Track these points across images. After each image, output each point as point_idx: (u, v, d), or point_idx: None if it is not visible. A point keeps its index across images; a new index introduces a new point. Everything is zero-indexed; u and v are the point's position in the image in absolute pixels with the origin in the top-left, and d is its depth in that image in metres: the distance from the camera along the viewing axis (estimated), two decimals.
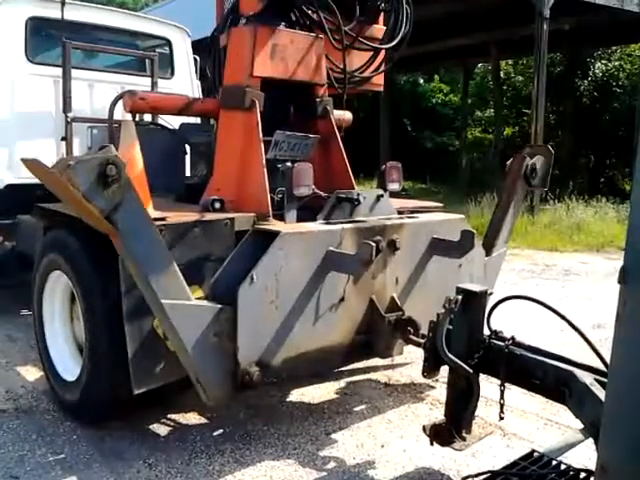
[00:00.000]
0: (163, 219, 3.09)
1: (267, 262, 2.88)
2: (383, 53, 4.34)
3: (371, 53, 4.25)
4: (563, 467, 2.28)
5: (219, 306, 2.80)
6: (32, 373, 4.20)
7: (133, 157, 3.07)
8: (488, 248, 4.06)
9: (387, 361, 4.26)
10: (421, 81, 25.85)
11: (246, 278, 2.82)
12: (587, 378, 2.40)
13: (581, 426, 2.80)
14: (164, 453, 3.14)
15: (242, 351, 2.82)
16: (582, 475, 2.20)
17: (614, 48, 19.02)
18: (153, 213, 3.12)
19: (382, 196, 3.62)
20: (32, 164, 2.59)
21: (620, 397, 1.61)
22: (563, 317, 2.71)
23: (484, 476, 2.26)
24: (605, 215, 11.38)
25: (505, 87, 21.43)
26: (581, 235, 10.34)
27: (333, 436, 3.37)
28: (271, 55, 3.63)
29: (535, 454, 2.41)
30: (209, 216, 3.28)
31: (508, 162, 4.19)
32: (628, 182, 16.76)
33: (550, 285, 7.22)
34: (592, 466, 2.21)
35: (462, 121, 22.39)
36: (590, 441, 2.52)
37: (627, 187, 16.58)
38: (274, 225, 3.21)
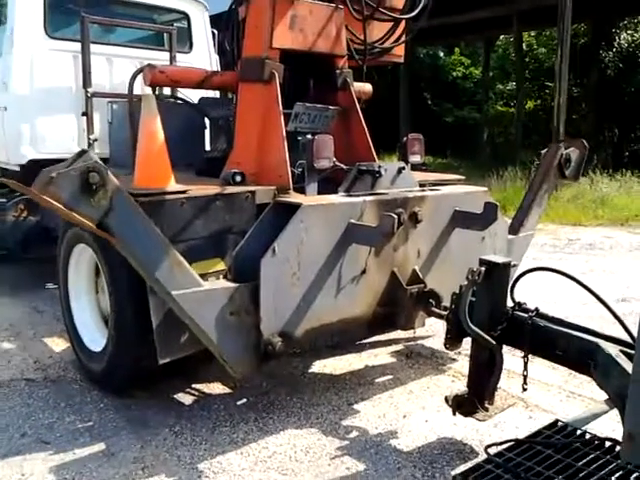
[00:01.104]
0: (184, 192, 3.11)
1: (289, 234, 2.89)
2: (403, 24, 4.27)
3: (391, 24, 4.19)
4: (588, 436, 2.27)
5: (232, 286, 2.82)
6: (58, 344, 4.28)
7: (154, 131, 3.07)
8: (516, 228, 4.06)
9: (408, 334, 4.26)
10: (441, 54, 25.42)
11: (268, 250, 2.83)
12: (612, 349, 2.38)
13: (604, 398, 2.81)
14: (189, 421, 3.20)
15: (265, 322, 2.85)
16: (607, 444, 2.19)
17: None
18: (175, 186, 3.14)
19: (404, 168, 3.60)
20: (14, 185, 2.56)
21: None
22: (587, 288, 2.68)
23: (508, 444, 2.27)
24: (630, 189, 11.19)
25: (527, 59, 20.99)
26: (605, 209, 10.18)
27: (355, 406, 3.40)
28: (290, 26, 3.59)
29: (559, 424, 2.40)
30: (230, 189, 3.29)
31: (543, 151, 4.21)
32: None
33: (574, 259, 7.15)
34: (617, 436, 2.21)
35: (483, 94, 22.01)
36: (614, 412, 2.52)
37: None
38: (295, 197, 3.21)
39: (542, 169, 4.18)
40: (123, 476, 2.73)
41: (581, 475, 2.00)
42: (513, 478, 2.02)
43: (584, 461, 2.09)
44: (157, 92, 4.40)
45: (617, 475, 2.00)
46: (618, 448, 2.15)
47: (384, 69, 19.04)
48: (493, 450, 2.26)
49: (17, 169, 5.33)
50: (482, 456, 2.34)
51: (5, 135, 5.23)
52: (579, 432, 2.31)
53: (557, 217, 9.93)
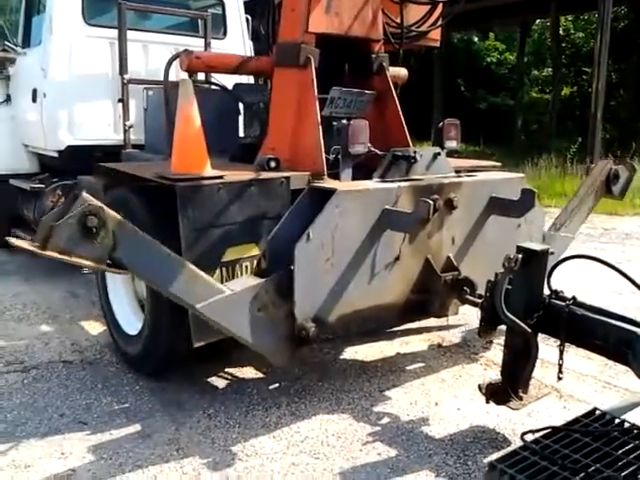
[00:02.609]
0: (221, 177, 3.13)
1: (323, 220, 2.89)
2: (440, 7, 4.21)
3: (428, 7, 4.13)
4: (627, 425, 2.24)
5: (254, 283, 2.83)
6: (95, 327, 4.37)
7: (191, 116, 3.09)
8: (557, 226, 4.03)
9: (441, 322, 4.24)
10: (475, 39, 25.01)
11: (302, 235, 2.84)
12: None
13: None
14: (222, 405, 3.24)
15: (298, 307, 2.86)
16: None
17: None
18: (211, 172, 3.16)
19: (439, 154, 3.56)
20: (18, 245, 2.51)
21: None
22: (626, 275, 2.64)
23: (545, 432, 2.25)
24: None
25: (564, 44, 20.55)
26: None
27: (386, 393, 3.40)
28: (326, 10, 3.57)
29: (597, 412, 2.37)
30: (265, 175, 3.29)
31: (592, 165, 4.27)
32: None
33: (610, 249, 7.01)
34: None
35: (518, 81, 21.63)
36: None
37: None
38: (330, 183, 3.20)
39: (589, 180, 4.20)
40: (158, 457, 2.78)
41: (619, 464, 1.97)
42: (550, 465, 2.00)
43: (622, 450, 2.06)
44: (192, 78, 4.42)
45: None
46: None
47: (417, 54, 18.82)
48: (529, 437, 2.24)
49: (55, 155, 5.43)
50: (518, 443, 2.32)
51: (43, 121, 5.32)
52: (617, 421, 2.28)
53: None
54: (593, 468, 1.96)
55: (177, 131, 3.14)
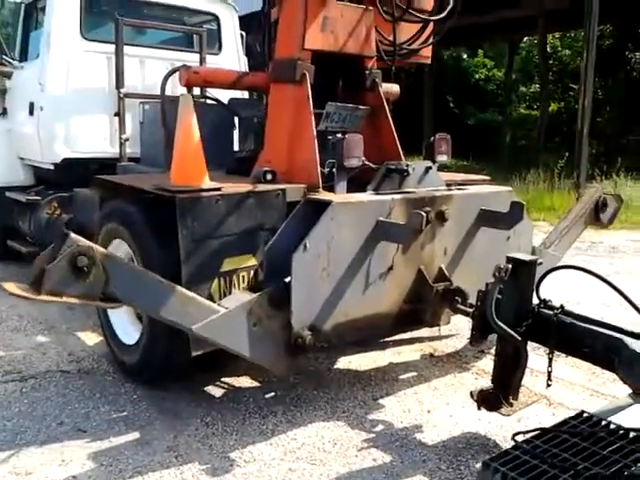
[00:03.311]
0: (219, 189, 3.21)
1: (319, 231, 2.97)
2: (431, 25, 4.33)
3: (419, 25, 4.26)
4: (612, 427, 2.33)
5: (247, 299, 2.89)
6: (91, 338, 4.41)
7: (191, 130, 3.17)
8: (547, 244, 4.15)
9: (432, 332, 4.33)
10: (464, 56, 25.37)
11: (299, 246, 2.92)
12: (637, 344, 2.42)
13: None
14: (220, 413, 3.30)
15: (295, 315, 2.94)
16: (632, 434, 2.24)
17: None
18: (210, 184, 3.24)
19: (431, 168, 3.66)
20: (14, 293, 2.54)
21: None
22: (611, 284, 2.74)
23: (535, 433, 2.33)
24: None
25: (551, 61, 20.90)
26: (629, 212, 10.08)
27: (380, 401, 3.47)
28: (322, 28, 3.68)
29: (584, 415, 2.46)
30: (261, 187, 3.38)
31: (581, 190, 4.46)
32: None
33: (597, 262, 7.13)
34: None
35: (506, 97, 21.97)
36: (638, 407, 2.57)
37: None
38: (325, 195, 3.29)
39: (579, 206, 4.37)
40: (158, 463, 2.83)
41: (606, 462, 2.06)
42: (540, 463, 2.08)
43: (609, 449, 2.15)
44: (189, 93, 4.51)
45: None
46: None
47: (407, 71, 19.06)
48: (520, 438, 2.32)
49: (51, 167, 5.49)
50: (509, 446, 2.40)
51: (40, 134, 5.38)
52: (603, 423, 2.36)
53: None
54: (581, 466, 2.04)
55: (177, 144, 3.22)
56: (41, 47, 5.35)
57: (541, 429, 2.36)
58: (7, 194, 5.88)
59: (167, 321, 2.76)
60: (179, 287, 2.78)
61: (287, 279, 2.98)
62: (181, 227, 3.05)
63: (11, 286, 2.49)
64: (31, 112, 5.46)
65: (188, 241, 3.07)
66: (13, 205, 5.85)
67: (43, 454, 2.90)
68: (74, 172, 5.39)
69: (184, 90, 5.33)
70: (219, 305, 2.91)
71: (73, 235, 2.46)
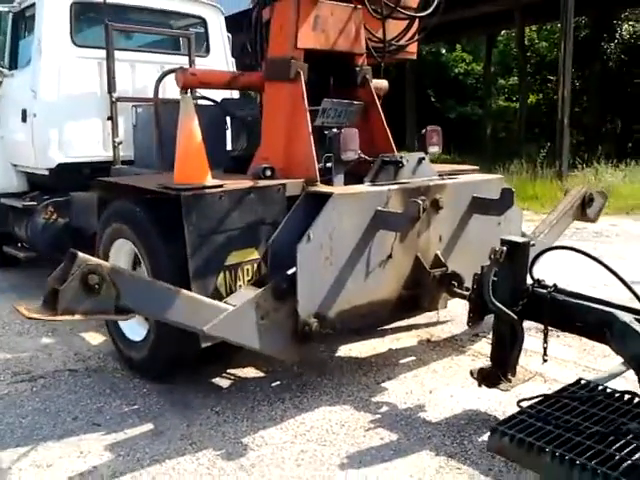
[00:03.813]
0: (221, 186, 3.32)
1: (322, 222, 3.09)
2: (417, 22, 4.47)
3: (406, 22, 4.39)
4: (609, 391, 2.48)
5: (253, 295, 3.00)
6: (95, 338, 4.49)
7: (193, 130, 3.28)
8: (536, 234, 4.30)
9: (429, 319, 4.48)
10: (443, 51, 25.61)
11: (303, 237, 3.04)
12: (627, 317, 2.57)
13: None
14: (229, 402, 3.41)
15: (302, 304, 3.06)
16: (626, 397, 2.40)
17: None
18: (212, 181, 3.35)
19: (424, 159, 3.80)
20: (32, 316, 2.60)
21: None
22: (601, 262, 2.89)
23: (538, 399, 2.47)
24: (634, 178, 11.36)
25: (529, 54, 21.18)
26: (610, 198, 10.21)
27: (383, 385, 3.61)
28: (314, 27, 3.79)
29: (582, 382, 2.61)
30: (262, 183, 3.49)
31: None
32: None
33: (582, 246, 7.26)
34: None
35: (485, 90, 22.22)
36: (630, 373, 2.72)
37: None
38: (325, 188, 3.41)
39: (567, 200, 4.53)
40: (174, 451, 2.94)
41: (605, 421, 2.21)
42: (544, 425, 2.23)
43: (606, 411, 2.30)
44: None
45: (638, 420, 2.21)
46: (637, 399, 2.36)
47: (388, 66, 19.21)
48: (525, 404, 2.46)
49: (46, 173, 5.55)
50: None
51: (34, 140, 5.43)
52: (600, 388, 2.52)
53: None
54: (582, 426, 2.19)
55: (179, 144, 3.32)
56: (32, 54, 5.39)
57: (543, 395, 2.51)
58: (2, 200, 5.92)
59: (179, 325, 2.87)
60: (186, 291, 2.88)
61: (289, 272, 3.11)
62: (187, 224, 3.15)
63: (26, 310, 2.54)
64: (24, 119, 5.50)
65: (194, 237, 3.18)
66: (8, 211, 5.90)
67: (61, 448, 2.99)
68: (68, 177, 5.45)
69: (175, 92, 5.45)
70: (226, 303, 3.02)
71: (81, 255, 2.52)
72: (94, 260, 2.59)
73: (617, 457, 2.04)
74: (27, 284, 5.88)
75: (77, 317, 2.58)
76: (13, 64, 5.98)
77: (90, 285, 2.49)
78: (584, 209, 4.55)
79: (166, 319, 2.83)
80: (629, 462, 2.01)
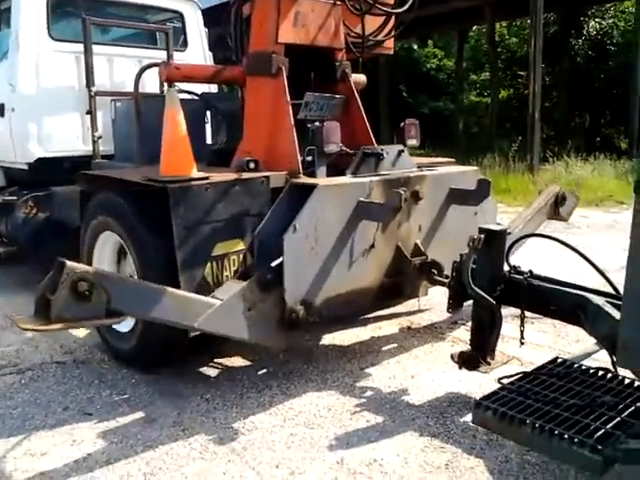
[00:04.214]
0: (207, 178, 3.38)
1: (307, 212, 3.19)
2: (394, 18, 4.58)
3: (383, 18, 4.50)
4: (584, 367, 2.63)
5: (239, 288, 3.07)
6: (80, 331, 4.47)
7: (178, 123, 3.34)
8: (512, 228, 4.42)
9: (408, 308, 4.61)
10: (415, 47, 25.82)
11: (289, 227, 3.13)
12: (599, 300, 2.72)
13: None
14: (218, 390, 3.48)
15: (288, 292, 3.15)
16: (600, 373, 2.56)
17: (608, 5, 19.08)
18: (198, 174, 3.41)
19: (403, 151, 3.91)
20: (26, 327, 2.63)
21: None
22: (573, 248, 3.04)
23: (517, 376, 2.61)
24: (603, 171, 11.67)
25: (500, 49, 21.49)
26: (580, 191, 10.53)
27: (367, 370, 3.72)
28: (294, 22, 3.88)
29: (559, 360, 2.76)
30: (246, 175, 3.57)
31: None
32: (624, 140, 17.03)
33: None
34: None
35: (457, 85, 22.50)
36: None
37: (623, 145, 16.86)
38: (309, 180, 3.50)
39: (541, 198, 4.69)
40: (166, 437, 3.01)
41: (581, 395, 2.35)
42: (525, 399, 2.37)
43: (583, 385, 2.45)
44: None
45: (611, 393, 2.36)
46: (609, 375, 2.51)
47: (366, 62, 19.34)
48: (505, 381, 2.60)
49: (25, 167, 5.53)
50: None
51: (13, 135, 5.41)
52: (576, 365, 2.66)
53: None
54: (560, 399, 2.33)
55: (165, 137, 3.38)
56: (10, 48, 5.37)
57: (523, 372, 2.65)
58: None
59: (170, 323, 2.93)
60: (174, 289, 2.92)
61: (274, 263, 3.19)
62: (174, 215, 3.22)
63: (21, 322, 2.57)
64: (2, 113, 5.47)
65: (181, 228, 3.24)
66: None
67: (54, 437, 3.04)
68: (47, 171, 5.45)
69: (154, 87, 5.48)
70: (213, 297, 3.07)
71: (69, 263, 2.53)
72: (82, 267, 2.60)
73: (592, 426, 2.18)
74: (6, 280, 5.88)
75: (71, 325, 2.63)
76: None
77: (80, 292, 2.51)
78: (557, 207, 4.74)
79: (157, 319, 2.88)
80: (603, 430, 2.15)
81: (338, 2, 4.06)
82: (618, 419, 2.24)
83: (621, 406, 2.30)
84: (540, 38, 11.87)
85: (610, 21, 18.91)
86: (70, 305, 2.50)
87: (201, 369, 3.78)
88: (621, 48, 18.18)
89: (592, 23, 19.06)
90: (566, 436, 2.12)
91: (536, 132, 12.19)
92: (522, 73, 19.41)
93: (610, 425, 2.19)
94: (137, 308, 2.82)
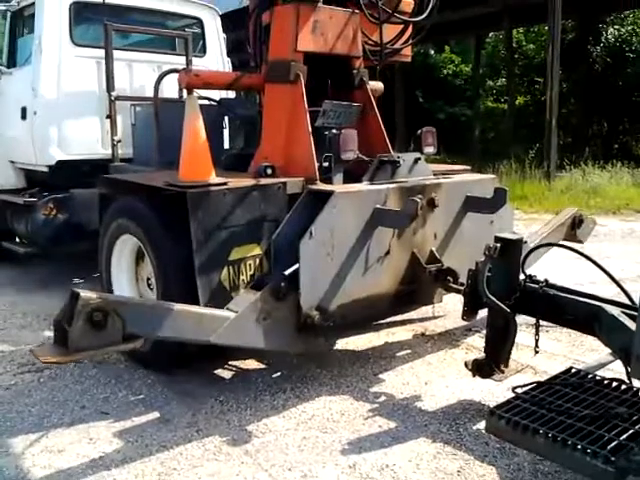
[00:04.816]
0: (225, 183, 3.43)
1: (323, 218, 3.22)
2: (411, 27, 4.61)
3: (401, 27, 4.53)
4: (598, 378, 2.64)
5: (253, 299, 3.10)
6: None
7: (198, 129, 3.39)
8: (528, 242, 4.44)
9: (423, 314, 4.63)
10: (432, 52, 25.80)
11: (306, 233, 3.16)
12: (615, 310, 2.72)
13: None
14: (232, 392, 3.52)
15: (304, 297, 3.19)
16: (614, 384, 2.56)
17: (627, 13, 18.94)
18: (216, 179, 3.47)
19: (419, 159, 3.94)
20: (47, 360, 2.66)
21: None
22: (589, 258, 3.04)
23: (531, 386, 2.62)
24: (620, 179, 11.59)
25: (517, 56, 21.41)
26: (597, 199, 10.57)
27: (380, 376, 3.74)
28: (313, 31, 3.92)
29: (573, 370, 2.76)
30: (264, 181, 3.61)
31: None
32: None
33: (570, 246, 7.49)
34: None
35: (474, 91, 22.44)
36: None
37: None
38: (326, 186, 3.54)
39: (558, 217, 4.74)
40: (181, 438, 3.05)
41: (594, 406, 2.36)
42: (537, 409, 2.38)
43: (596, 396, 2.46)
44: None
45: (625, 405, 2.37)
46: (623, 386, 2.52)
47: (384, 69, 19.38)
48: (519, 390, 2.61)
49: (45, 170, 5.63)
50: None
51: (34, 138, 5.51)
52: (590, 376, 2.67)
53: (551, 207, 10.31)
54: (573, 410, 2.34)
55: (185, 143, 3.43)
56: (33, 53, 5.47)
57: (537, 382, 2.66)
58: (1, 197, 5.99)
59: (187, 340, 2.98)
60: (187, 306, 2.95)
61: (287, 271, 3.21)
62: (192, 220, 3.26)
63: (41, 355, 2.62)
64: (24, 116, 5.58)
65: (199, 233, 3.29)
66: (7, 207, 5.96)
67: (71, 434, 3.10)
68: (67, 174, 5.54)
69: (173, 92, 5.56)
70: (228, 310, 3.10)
71: (83, 294, 2.55)
72: (96, 296, 2.61)
73: (606, 437, 2.18)
74: (25, 279, 5.97)
75: (90, 354, 2.66)
76: (11, 62, 6.06)
77: (96, 321, 2.54)
78: (573, 229, 4.75)
79: (173, 338, 2.92)
80: (616, 442, 2.15)
81: (356, 11, 4.10)
82: (632, 431, 2.24)
83: (635, 418, 2.30)
84: (558, 45, 11.83)
85: (629, 28, 18.76)
86: (87, 335, 2.53)
87: (216, 371, 3.83)
88: None
89: (610, 30, 18.92)
90: (579, 446, 2.13)
91: (553, 139, 12.15)
92: (539, 79, 19.32)
93: (624, 437, 2.19)
94: (152, 330, 2.81)
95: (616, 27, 18.95)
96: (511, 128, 17.65)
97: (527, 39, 21.88)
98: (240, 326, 3.05)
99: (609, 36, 18.82)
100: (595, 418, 2.26)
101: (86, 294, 2.56)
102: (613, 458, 2.07)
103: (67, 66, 5.47)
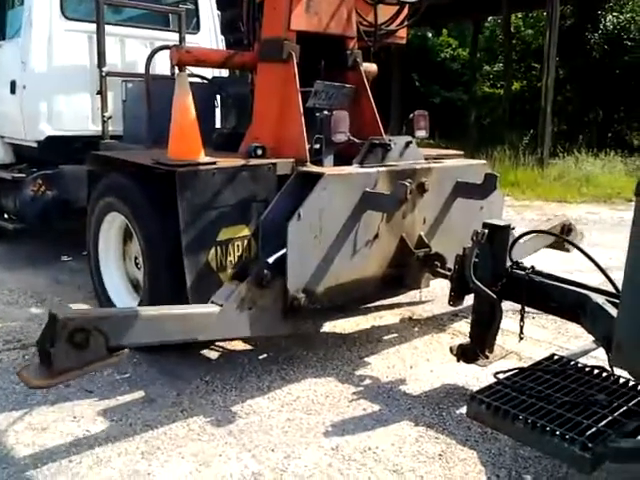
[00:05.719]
0: (214, 163, 3.40)
1: (312, 201, 3.21)
2: (407, 8, 4.56)
3: (396, 8, 4.48)
4: (580, 365, 2.66)
5: (236, 290, 3.07)
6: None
7: (188, 107, 3.35)
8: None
9: (410, 298, 4.63)
10: (429, 35, 25.61)
11: (294, 215, 3.15)
12: (599, 298, 2.73)
13: None
14: (218, 373, 3.53)
15: (291, 279, 3.18)
16: (595, 371, 2.58)
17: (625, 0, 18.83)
18: (205, 158, 3.43)
19: (411, 142, 3.91)
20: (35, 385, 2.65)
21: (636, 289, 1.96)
22: (576, 246, 3.04)
23: (513, 372, 2.63)
24: (613, 168, 11.60)
25: (514, 41, 21.27)
26: (589, 187, 10.59)
27: (366, 359, 3.75)
28: (306, 10, 3.86)
29: (555, 357, 2.78)
30: (253, 161, 3.58)
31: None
32: (636, 136, 16.91)
33: None
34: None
35: (471, 76, 22.33)
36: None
37: (635, 142, 16.75)
38: (315, 168, 3.52)
39: (548, 223, 4.71)
40: (165, 417, 3.05)
41: (575, 393, 2.38)
42: (519, 395, 2.40)
43: (577, 383, 2.48)
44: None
45: (605, 392, 2.39)
46: (604, 374, 2.54)
47: (379, 51, 19.23)
48: (501, 376, 2.62)
49: (34, 145, 5.57)
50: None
51: (23, 112, 5.45)
52: (572, 363, 2.69)
53: (543, 194, 10.34)
54: (554, 396, 2.35)
55: (174, 120, 3.40)
56: (23, 26, 5.38)
57: (519, 368, 2.67)
58: None
59: (175, 342, 2.97)
60: (172, 308, 2.94)
61: (271, 259, 3.20)
62: (180, 199, 3.24)
63: (27, 378, 2.58)
64: (13, 90, 5.50)
65: (187, 212, 3.27)
66: None
67: (54, 412, 3.10)
68: (56, 150, 5.49)
69: (165, 69, 5.49)
70: (212, 303, 3.07)
71: (61, 316, 2.52)
72: (74, 315, 2.59)
73: (584, 424, 2.20)
74: (12, 256, 5.95)
75: (76, 373, 2.62)
76: (1, 35, 5.96)
77: (77, 342, 2.52)
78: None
79: (160, 342, 2.91)
80: (594, 428, 2.17)
81: None
82: (610, 418, 2.26)
83: (614, 405, 2.32)
84: (555, 31, 11.77)
85: (628, 15, 18.64)
86: (70, 355, 2.51)
87: (202, 351, 3.82)
88: (638, 43, 17.95)
89: (609, 17, 18.80)
90: (558, 432, 2.15)
91: (547, 126, 12.13)
92: (536, 65, 19.23)
93: (602, 423, 2.21)
94: (137, 338, 2.78)
95: (615, 14, 18.82)
96: (506, 114, 17.59)
97: (525, 24, 21.74)
98: (226, 319, 3.04)
99: (607, 23, 18.70)
100: (575, 405, 2.28)
101: (65, 315, 2.53)
102: (590, 445, 2.09)
103: (58, 40, 5.38)
